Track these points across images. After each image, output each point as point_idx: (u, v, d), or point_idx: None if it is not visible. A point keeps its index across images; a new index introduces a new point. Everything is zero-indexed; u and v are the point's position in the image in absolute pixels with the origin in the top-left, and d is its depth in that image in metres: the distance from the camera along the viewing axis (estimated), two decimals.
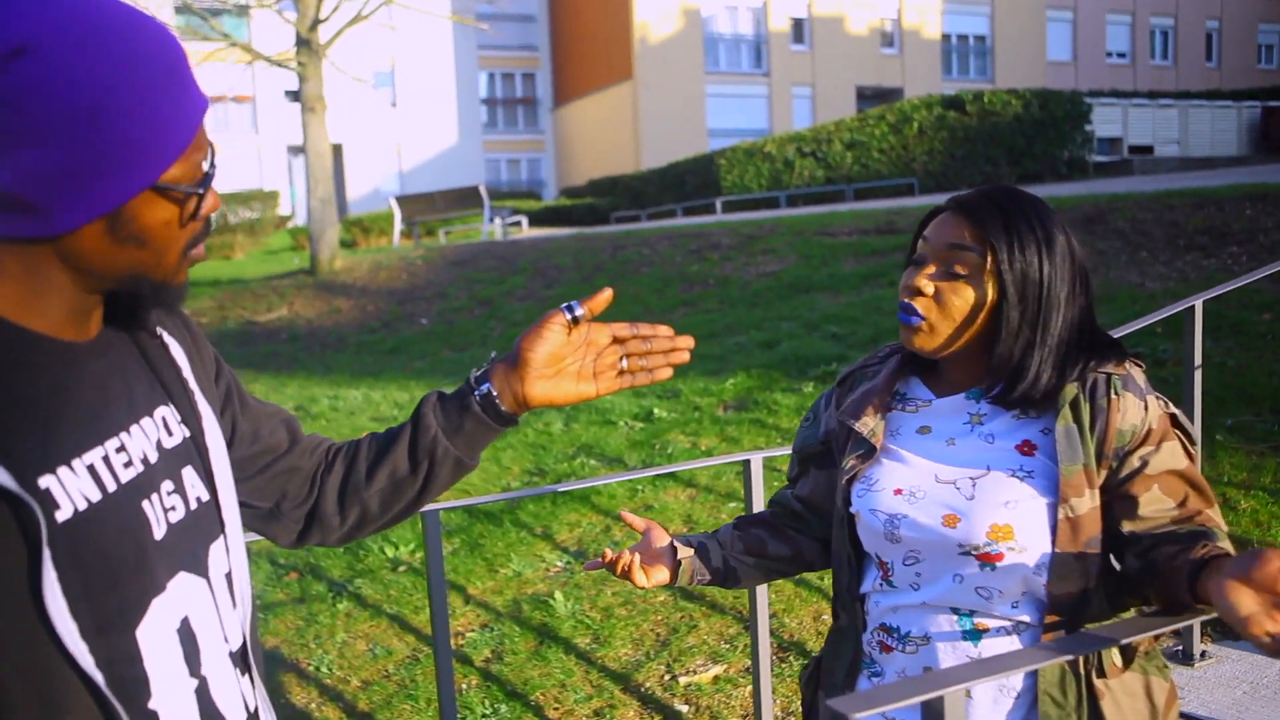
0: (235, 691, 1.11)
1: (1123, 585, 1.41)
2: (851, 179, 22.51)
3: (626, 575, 1.63)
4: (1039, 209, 1.45)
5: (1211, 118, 27.38)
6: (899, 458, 1.50)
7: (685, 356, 1.33)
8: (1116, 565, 1.42)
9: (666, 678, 3.67)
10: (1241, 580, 1.09)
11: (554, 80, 39.21)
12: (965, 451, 1.45)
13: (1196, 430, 3.74)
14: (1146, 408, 1.39)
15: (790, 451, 1.76)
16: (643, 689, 3.61)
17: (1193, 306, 3.72)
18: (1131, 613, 1.43)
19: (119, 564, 0.96)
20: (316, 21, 14.08)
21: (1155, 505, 1.36)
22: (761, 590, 3.07)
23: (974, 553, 1.38)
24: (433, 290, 12.78)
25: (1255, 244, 7.51)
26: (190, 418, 1.12)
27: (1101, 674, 1.38)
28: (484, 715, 3.51)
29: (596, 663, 3.79)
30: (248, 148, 33.54)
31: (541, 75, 39.40)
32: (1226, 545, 1.32)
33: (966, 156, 22.09)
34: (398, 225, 20.17)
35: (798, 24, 34.53)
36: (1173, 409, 1.44)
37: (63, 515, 0.92)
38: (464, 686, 3.72)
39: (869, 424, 1.53)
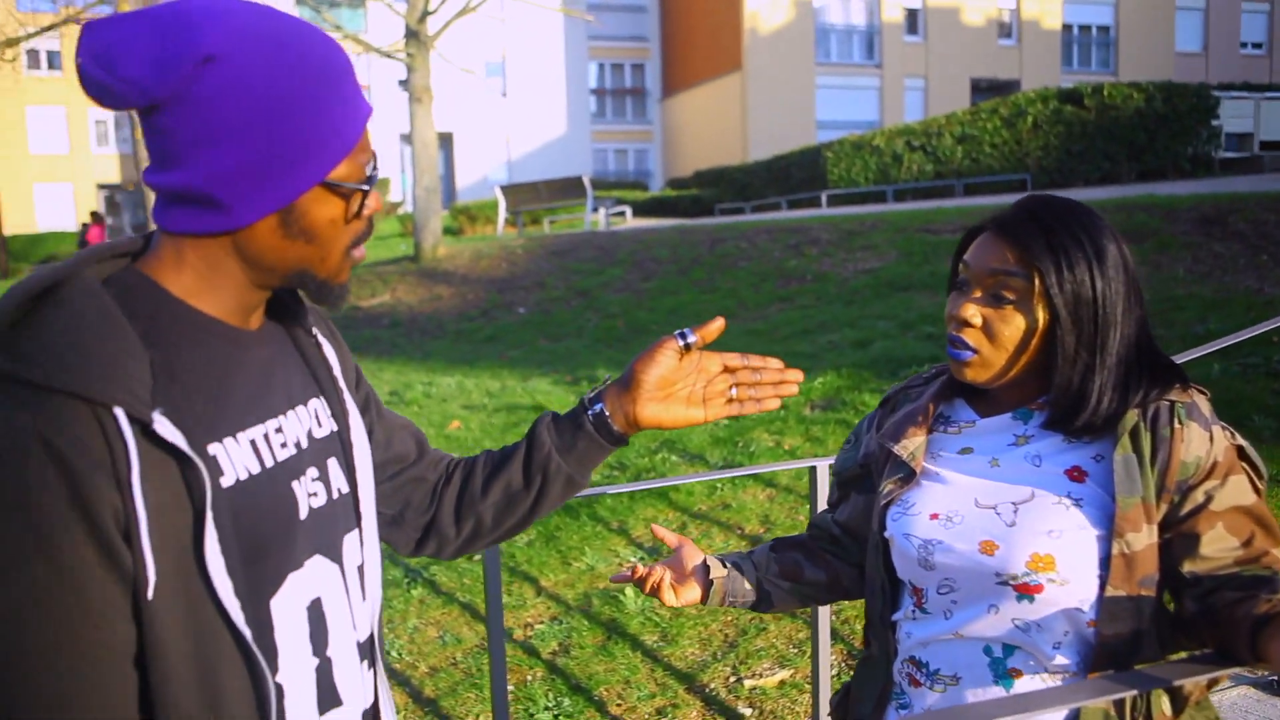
0: (357, 679, 1.16)
1: (1178, 628, 1.32)
2: (961, 174, 21.95)
3: (655, 593, 1.57)
4: (1084, 218, 1.36)
5: None
6: (939, 480, 1.43)
7: (794, 390, 1.37)
8: (1171, 607, 1.33)
9: (732, 680, 3.63)
10: None
11: (663, 71, 39.19)
12: (1009, 473, 1.37)
13: None
14: (1212, 439, 1.30)
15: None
16: (707, 690, 3.58)
17: None
18: (1182, 656, 1.34)
19: (269, 535, 1.04)
20: (425, 14, 14.34)
21: (1218, 544, 1.27)
22: None
23: (1011, 583, 1.30)
24: (531, 280, 12.92)
25: None
26: (338, 413, 1.19)
27: None
28: (546, 708, 3.52)
29: (662, 661, 3.77)
30: None
31: (651, 66, 39.42)
32: None
33: (1083, 152, 21.31)
34: (502, 214, 20.44)
35: (911, 14, 33.80)
36: (1239, 440, 1.34)
37: (226, 482, 1.00)
38: (529, 678, 3.74)
39: (909, 447, 1.45)
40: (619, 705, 3.55)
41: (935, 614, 1.40)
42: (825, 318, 8.50)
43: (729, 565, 1.62)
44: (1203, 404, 1.33)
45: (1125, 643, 1.27)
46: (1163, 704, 1.30)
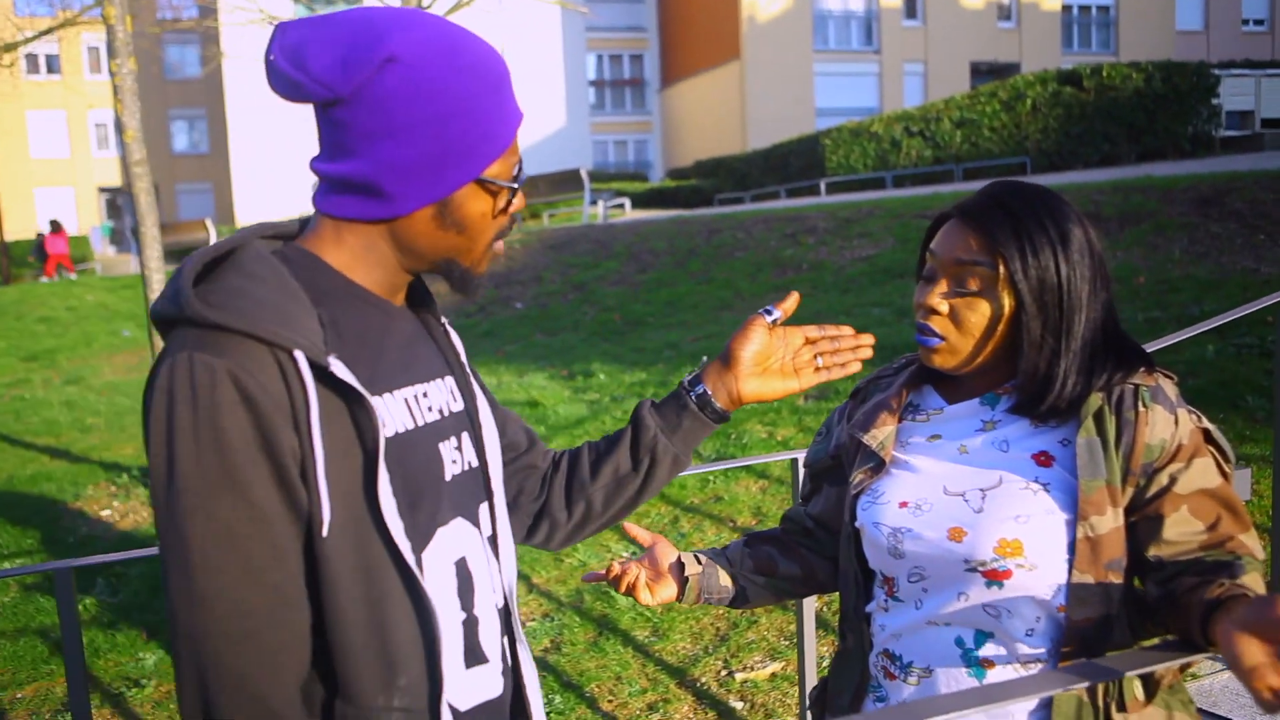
0: (497, 641, 1.22)
1: (1144, 613, 1.31)
2: (961, 159, 21.87)
3: (631, 592, 1.56)
4: (1049, 203, 1.35)
5: None
6: (908, 468, 1.43)
7: (869, 353, 1.45)
8: (1138, 590, 1.32)
9: (723, 673, 3.61)
10: (1251, 630, 1.03)
11: (662, 61, 39.08)
12: (977, 458, 1.37)
13: None
14: (1177, 421, 1.29)
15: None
16: (698, 684, 3.56)
17: None
18: (1154, 642, 1.32)
19: (421, 488, 1.11)
20: (420, 8, 14.31)
21: (1183, 528, 1.27)
22: None
23: (980, 569, 1.30)
24: (528, 274, 12.89)
25: None
26: (466, 394, 1.27)
27: (1122, 708, 1.28)
28: None
29: (654, 656, 3.75)
30: None
31: (649, 56, 39.30)
32: (1252, 579, 1.23)
33: (1083, 134, 21.23)
34: None
35: None
36: (1205, 423, 1.34)
37: (388, 432, 1.08)
38: None
39: (878, 436, 1.45)
40: (610, 701, 3.53)
41: (906, 603, 1.39)
42: (821, 306, 8.46)
43: (704, 562, 1.61)
44: (1168, 387, 1.33)
45: (1095, 627, 1.27)
46: (1135, 688, 1.29)
